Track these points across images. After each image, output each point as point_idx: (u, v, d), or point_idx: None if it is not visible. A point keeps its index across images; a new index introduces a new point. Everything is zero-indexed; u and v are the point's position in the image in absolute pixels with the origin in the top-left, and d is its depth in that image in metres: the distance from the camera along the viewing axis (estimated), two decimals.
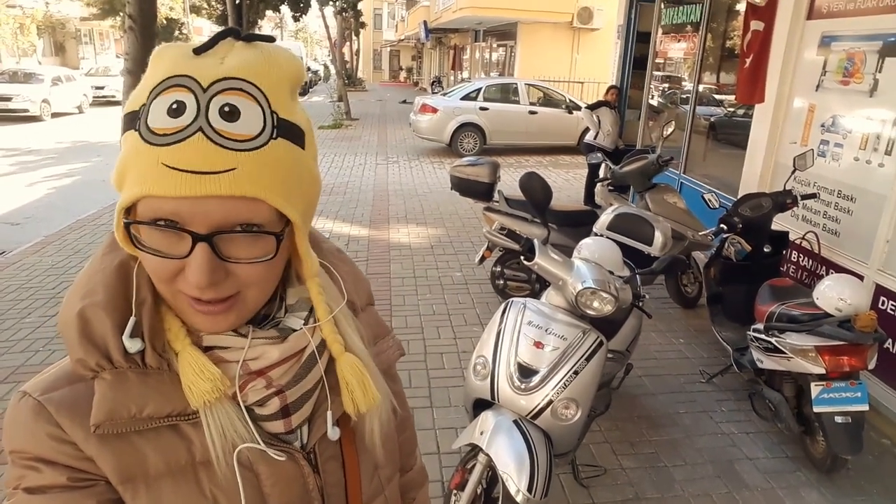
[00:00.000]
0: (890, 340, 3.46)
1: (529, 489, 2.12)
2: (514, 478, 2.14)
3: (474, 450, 2.36)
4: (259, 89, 0.60)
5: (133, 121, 0.60)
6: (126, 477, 0.64)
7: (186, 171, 0.55)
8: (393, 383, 0.88)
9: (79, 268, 5.63)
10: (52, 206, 8.33)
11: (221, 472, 0.66)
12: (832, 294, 2.79)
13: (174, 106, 0.57)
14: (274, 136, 0.60)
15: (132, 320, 0.64)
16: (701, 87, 6.76)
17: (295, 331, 0.71)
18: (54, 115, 18.28)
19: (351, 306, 0.81)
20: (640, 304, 2.86)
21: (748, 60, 4.53)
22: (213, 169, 0.56)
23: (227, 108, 0.58)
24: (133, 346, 0.64)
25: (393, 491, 0.87)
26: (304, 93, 30.97)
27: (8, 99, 16.97)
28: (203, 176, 0.56)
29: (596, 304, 2.41)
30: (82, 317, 0.64)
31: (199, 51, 0.61)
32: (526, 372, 2.37)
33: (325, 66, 47.99)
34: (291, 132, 0.62)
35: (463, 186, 4.97)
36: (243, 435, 0.67)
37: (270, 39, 0.65)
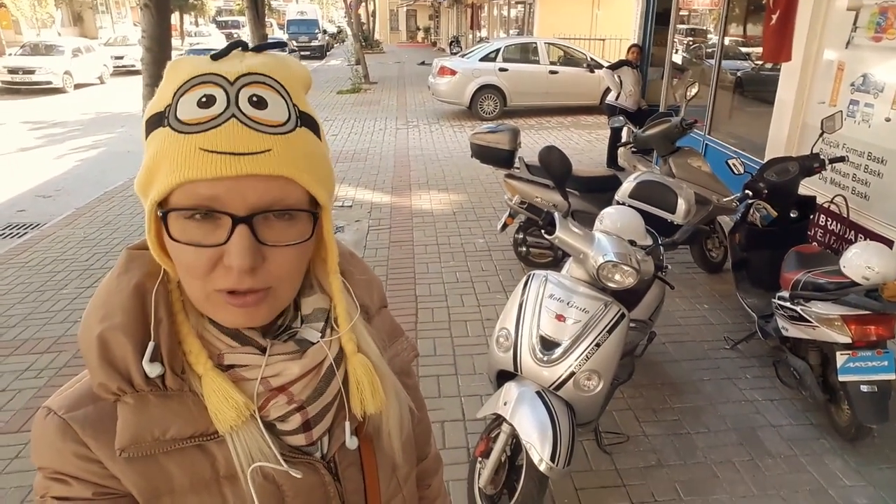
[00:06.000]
0: None
1: (552, 458, 2.17)
2: (538, 447, 2.19)
3: (498, 419, 2.41)
4: (280, 84, 0.63)
5: (159, 120, 0.61)
6: (151, 495, 0.66)
7: (224, 153, 0.57)
8: (408, 378, 0.90)
9: (110, 240, 5.78)
10: (80, 178, 8.48)
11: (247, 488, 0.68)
12: (859, 262, 2.72)
13: (203, 99, 0.59)
14: (298, 124, 0.63)
15: (151, 345, 0.64)
16: (727, 41, 6.54)
17: (312, 343, 0.72)
18: (77, 86, 18.42)
19: (364, 311, 0.82)
20: (663, 274, 2.86)
21: (775, 17, 4.38)
22: (250, 150, 0.58)
23: (255, 98, 0.60)
24: (153, 370, 0.64)
25: (410, 488, 0.90)
26: (321, 56, 30.63)
27: (31, 72, 17.15)
28: (241, 157, 0.58)
29: (617, 276, 2.41)
30: (102, 340, 0.64)
31: (216, 57, 0.63)
32: (548, 344, 2.40)
33: (340, 29, 47.30)
34: (311, 123, 0.66)
35: (483, 154, 4.95)
36: (267, 453, 0.68)
37: (282, 46, 0.69)
